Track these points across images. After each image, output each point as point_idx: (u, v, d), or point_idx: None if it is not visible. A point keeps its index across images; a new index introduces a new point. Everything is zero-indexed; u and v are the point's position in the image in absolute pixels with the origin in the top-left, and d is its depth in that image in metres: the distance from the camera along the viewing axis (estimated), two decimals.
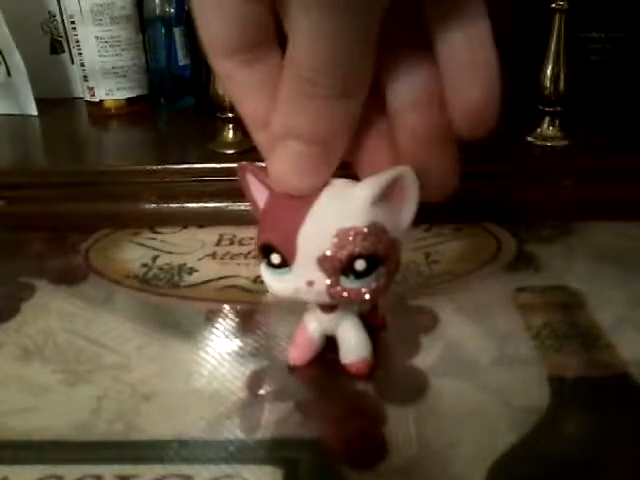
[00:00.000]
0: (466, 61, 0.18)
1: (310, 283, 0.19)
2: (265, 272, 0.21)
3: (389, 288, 0.21)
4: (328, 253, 0.19)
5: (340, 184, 0.19)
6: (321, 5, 0.15)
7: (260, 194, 0.21)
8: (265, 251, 0.20)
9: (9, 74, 0.50)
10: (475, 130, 0.18)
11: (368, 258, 0.19)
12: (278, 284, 0.20)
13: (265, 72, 0.19)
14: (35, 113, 0.50)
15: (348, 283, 0.19)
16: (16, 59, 0.49)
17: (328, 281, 0.19)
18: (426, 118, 0.19)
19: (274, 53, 0.19)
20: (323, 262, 0.19)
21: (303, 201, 0.19)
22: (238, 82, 0.20)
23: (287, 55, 0.17)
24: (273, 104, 0.19)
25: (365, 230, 0.19)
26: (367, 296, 0.20)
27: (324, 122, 0.17)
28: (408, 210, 0.20)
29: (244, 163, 0.21)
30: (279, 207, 0.20)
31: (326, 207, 0.19)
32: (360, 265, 0.19)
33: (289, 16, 0.16)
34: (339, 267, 0.19)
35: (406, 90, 0.19)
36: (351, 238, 0.19)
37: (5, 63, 0.50)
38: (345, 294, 0.19)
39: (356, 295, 0.20)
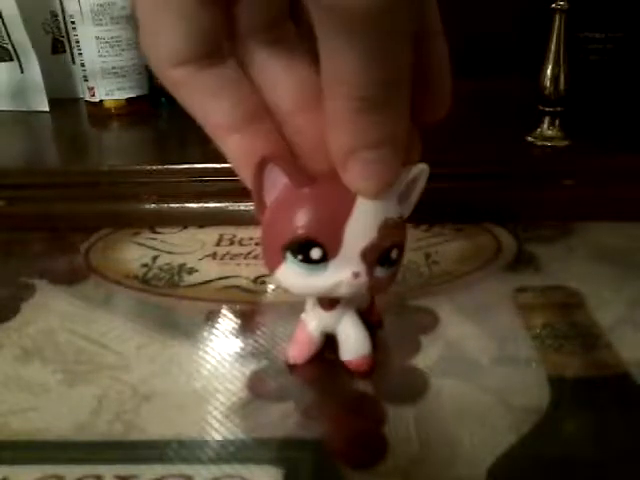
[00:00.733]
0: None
1: (357, 275, 0.20)
2: (293, 271, 0.20)
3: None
4: (373, 244, 0.20)
5: None
6: (359, 30, 0.15)
7: (271, 189, 0.20)
8: (301, 247, 0.20)
9: (22, 71, 0.51)
10: (433, 115, 0.20)
11: (399, 247, 0.21)
12: (314, 281, 0.20)
13: (221, 78, 0.19)
14: (47, 109, 0.51)
15: (380, 272, 0.20)
16: (31, 57, 0.50)
17: (369, 272, 0.20)
18: None
19: (226, 60, 0.19)
20: (368, 253, 0.20)
21: (343, 194, 0.19)
22: (192, 90, 0.19)
23: (326, 77, 0.17)
24: (235, 109, 0.19)
25: (399, 221, 0.20)
26: (392, 282, 0.21)
27: (386, 125, 0.18)
28: (412, 203, 0.21)
29: (269, 155, 0.20)
30: (315, 201, 0.20)
31: (369, 202, 0.19)
32: (395, 254, 0.20)
33: (319, 44, 0.16)
34: (380, 257, 0.20)
35: None
36: (391, 229, 0.20)
37: (19, 60, 0.50)
38: (380, 282, 0.21)
39: (383, 284, 0.21)
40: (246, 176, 0.21)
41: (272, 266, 0.21)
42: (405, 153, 0.19)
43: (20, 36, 0.49)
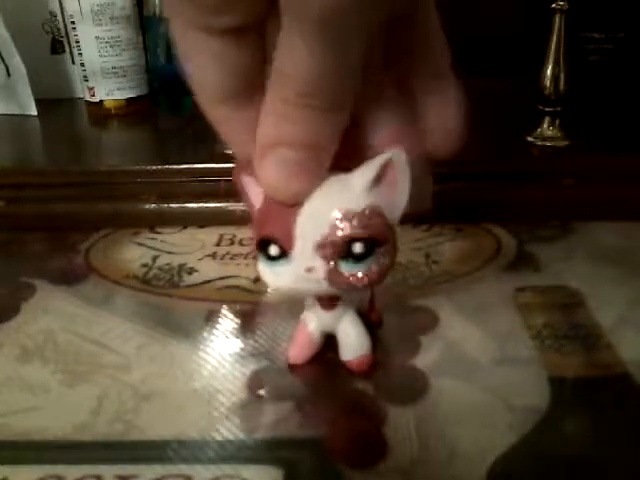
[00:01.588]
0: (440, 103, 0.20)
1: (310, 270, 0.19)
2: (263, 268, 0.21)
3: (389, 272, 0.20)
4: (327, 238, 0.19)
5: (335, 173, 0.20)
6: (318, 29, 0.16)
7: (256, 195, 0.21)
8: (263, 245, 0.20)
9: (9, 75, 0.50)
10: (450, 151, 0.21)
11: (366, 241, 0.19)
12: (276, 277, 0.20)
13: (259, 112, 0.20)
14: (35, 113, 0.50)
15: (347, 268, 0.19)
16: (16, 60, 0.49)
17: (327, 267, 0.19)
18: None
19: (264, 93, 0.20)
20: (322, 247, 0.19)
21: None
22: (233, 125, 0.20)
23: (275, 68, 0.17)
24: None
25: (361, 213, 0.19)
26: (366, 280, 0.20)
27: (316, 131, 0.18)
28: (402, 193, 0.20)
29: (237, 165, 0.21)
30: (270, 200, 0.20)
31: (323, 193, 0.19)
32: (358, 248, 0.19)
33: (280, 34, 0.17)
34: (338, 251, 0.19)
35: (384, 127, 0.20)
36: (348, 221, 0.19)
37: (5, 64, 0.50)
38: (345, 279, 0.20)
39: (356, 279, 0.20)
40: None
41: (256, 261, 0.21)
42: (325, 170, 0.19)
43: (5, 39, 0.49)
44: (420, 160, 0.21)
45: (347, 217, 0.19)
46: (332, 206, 0.19)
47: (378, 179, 0.19)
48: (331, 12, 0.15)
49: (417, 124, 0.21)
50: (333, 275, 0.19)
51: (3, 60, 0.50)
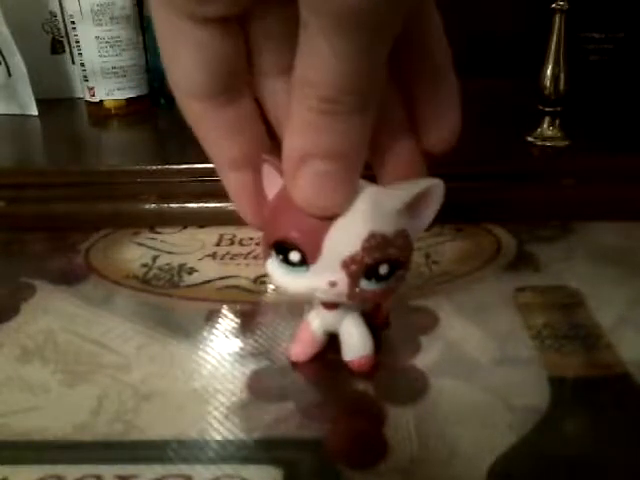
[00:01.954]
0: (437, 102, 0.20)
1: (333, 284, 0.19)
2: (276, 268, 0.20)
3: (399, 288, 0.21)
4: (356, 256, 0.19)
5: (371, 189, 0.19)
6: (342, 30, 0.15)
7: (272, 187, 0.20)
8: (281, 247, 0.20)
9: (9, 74, 0.50)
10: (445, 148, 0.21)
11: (391, 263, 0.19)
12: (291, 282, 0.20)
13: (239, 114, 0.19)
14: (35, 113, 0.50)
15: (368, 286, 0.20)
16: (17, 59, 0.49)
17: (350, 283, 0.19)
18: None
19: (246, 95, 0.19)
20: (349, 264, 0.19)
21: None
22: (209, 124, 0.19)
23: (297, 77, 0.17)
24: (248, 145, 0.20)
25: (392, 235, 0.19)
26: (384, 297, 0.20)
27: (346, 137, 0.17)
28: (427, 220, 0.20)
29: (265, 156, 0.20)
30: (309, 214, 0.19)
31: (358, 210, 0.19)
32: (384, 269, 0.19)
33: (299, 39, 0.16)
34: (364, 270, 0.19)
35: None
36: (380, 243, 0.19)
37: (6, 63, 0.50)
38: (364, 296, 0.20)
39: (372, 297, 0.20)
40: (244, 210, 0.22)
41: (264, 257, 0.21)
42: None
43: (6, 39, 0.49)
44: (416, 162, 0.21)
45: (379, 238, 0.19)
46: (365, 225, 0.19)
47: (414, 204, 0.20)
48: (359, 4, 0.14)
49: (412, 121, 0.21)
50: (353, 292, 0.19)
51: (4, 59, 0.50)
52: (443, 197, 0.20)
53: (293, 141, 0.18)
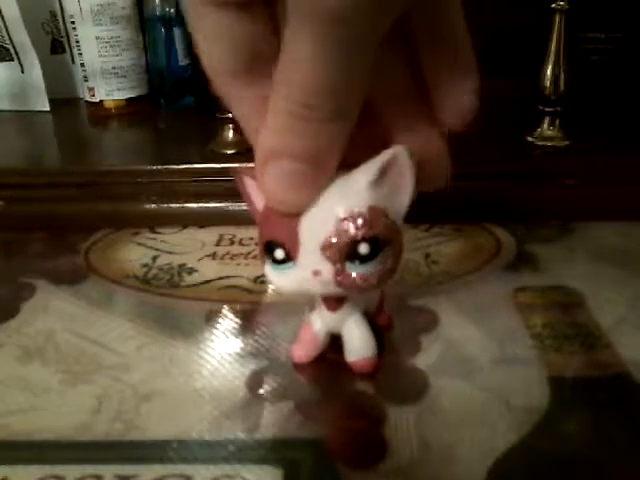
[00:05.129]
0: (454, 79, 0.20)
1: (316, 273, 0.19)
2: (270, 271, 0.21)
3: (395, 272, 0.20)
4: (331, 239, 0.19)
5: (338, 173, 0.19)
6: (325, 34, 0.15)
7: (259, 197, 0.21)
8: (268, 248, 0.20)
9: (22, 71, 0.51)
10: (464, 125, 0.21)
11: (371, 241, 0.19)
12: (283, 280, 0.20)
13: (263, 94, 0.19)
14: (48, 108, 0.51)
15: (354, 269, 0.19)
16: (30, 56, 0.50)
17: (334, 269, 0.19)
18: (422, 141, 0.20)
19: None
20: (327, 249, 0.19)
21: None
22: (244, 101, 0.20)
23: (277, 77, 0.17)
24: None
25: (365, 213, 0.19)
26: (375, 280, 0.20)
27: (318, 143, 0.18)
28: (405, 192, 0.20)
29: (239, 167, 0.21)
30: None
31: (326, 194, 0.19)
32: (364, 249, 0.19)
33: (285, 39, 0.16)
34: (343, 253, 0.19)
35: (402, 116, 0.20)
36: (352, 221, 0.19)
37: (19, 60, 0.50)
38: (352, 280, 0.19)
39: (363, 280, 0.20)
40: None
41: (262, 262, 0.21)
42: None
43: (21, 36, 0.50)
44: (434, 139, 0.20)
45: (351, 217, 0.19)
46: (335, 206, 0.19)
47: (381, 177, 0.19)
48: (351, 10, 0.15)
49: (428, 105, 0.20)
50: (340, 277, 0.19)
51: (18, 57, 0.50)
52: (413, 163, 0.19)
53: (267, 137, 0.18)
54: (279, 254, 0.20)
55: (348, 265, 0.19)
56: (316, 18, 0.15)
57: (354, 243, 0.19)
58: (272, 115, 0.18)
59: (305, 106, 0.17)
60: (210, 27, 0.18)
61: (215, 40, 0.18)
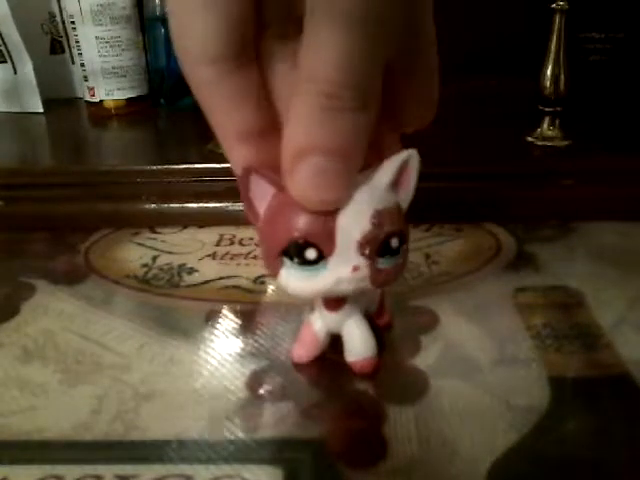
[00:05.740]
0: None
1: (356, 269, 0.20)
2: (290, 275, 0.20)
3: (406, 267, 0.21)
4: (369, 235, 0.19)
5: (360, 173, 0.20)
6: (345, 21, 0.15)
7: (262, 199, 0.20)
8: (295, 250, 0.19)
9: (15, 72, 0.51)
10: (423, 125, 0.21)
11: (400, 235, 0.20)
12: (313, 283, 0.20)
13: (247, 81, 0.19)
14: (41, 110, 0.50)
15: (383, 264, 0.20)
16: (23, 57, 0.50)
17: (370, 264, 0.20)
18: None
19: (253, 63, 0.19)
20: (364, 245, 0.19)
21: None
22: (218, 91, 0.19)
23: (302, 72, 0.17)
24: (254, 116, 0.19)
25: (392, 210, 0.20)
26: (398, 274, 0.21)
27: (347, 135, 0.17)
28: (410, 191, 0.21)
29: (251, 165, 0.20)
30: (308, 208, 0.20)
31: (359, 192, 0.19)
32: (395, 242, 0.20)
33: (305, 33, 0.16)
34: (378, 248, 0.20)
35: None
36: (385, 218, 0.19)
37: (12, 61, 0.50)
38: (383, 275, 0.20)
39: (390, 275, 0.20)
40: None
41: (273, 273, 0.21)
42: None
43: (13, 37, 0.49)
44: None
45: (383, 215, 0.19)
46: (368, 205, 0.19)
47: (398, 176, 0.20)
48: (374, 4, 0.15)
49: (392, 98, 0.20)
50: (374, 272, 0.20)
51: (10, 57, 0.50)
52: (419, 169, 0.20)
53: (294, 136, 0.18)
54: (311, 254, 0.19)
55: (379, 260, 0.20)
56: (339, 5, 0.15)
57: (389, 237, 0.20)
58: (298, 109, 0.17)
59: (330, 96, 0.17)
60: (200, 5, 0.17)
61: (199, 15, 0.18)
